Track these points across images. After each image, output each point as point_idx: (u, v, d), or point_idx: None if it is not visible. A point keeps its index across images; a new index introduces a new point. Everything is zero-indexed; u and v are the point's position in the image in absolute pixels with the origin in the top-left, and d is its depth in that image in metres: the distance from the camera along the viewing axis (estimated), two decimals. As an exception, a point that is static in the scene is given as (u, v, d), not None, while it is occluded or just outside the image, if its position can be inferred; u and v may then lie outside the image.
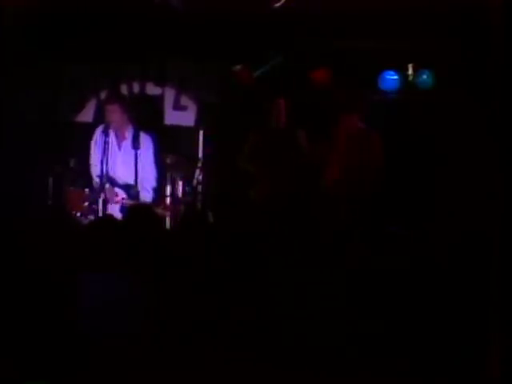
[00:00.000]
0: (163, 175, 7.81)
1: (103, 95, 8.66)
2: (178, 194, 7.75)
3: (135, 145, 7.70)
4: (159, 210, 7.60)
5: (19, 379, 4.06)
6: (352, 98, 7.82)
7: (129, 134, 7.77)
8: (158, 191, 7.83)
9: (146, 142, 7.77)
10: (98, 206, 7.46)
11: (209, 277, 5.07)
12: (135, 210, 5.73)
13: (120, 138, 7.77)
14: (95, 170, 7.70)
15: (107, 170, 7.54)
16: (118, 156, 7.74)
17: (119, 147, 7.77)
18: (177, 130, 8.68)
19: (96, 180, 7.65)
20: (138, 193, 7.65)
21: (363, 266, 5.41)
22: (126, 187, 7.63)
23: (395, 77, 8.25)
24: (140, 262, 4.83)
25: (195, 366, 4.49)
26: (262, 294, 5.05)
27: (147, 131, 7.84)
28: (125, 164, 7.73)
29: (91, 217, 7.49)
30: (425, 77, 8.18)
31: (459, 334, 4.63)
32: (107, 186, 7.53)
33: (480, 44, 6.93)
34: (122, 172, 7.72)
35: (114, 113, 7.69)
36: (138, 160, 7.70)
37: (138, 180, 7.67)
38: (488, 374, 4.19)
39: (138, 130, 7.77)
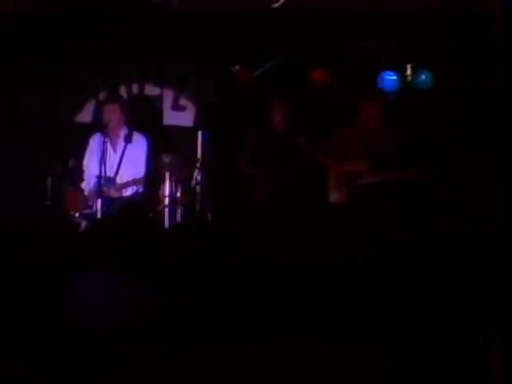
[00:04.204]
0: (154, 176, 7.80)
1: (102, 96, 8.67)
2: (176, 195, 7.75)
3: (127, 142, 7.70)
4: (156, 211, 7.63)
5: (21, 379, 4.06)
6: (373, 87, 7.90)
7: (123, 134, 7.77)
8: (146, 190, 7.82)
9: (139, 141, 7.78)
10: (96, 206, 7.44)
11: (207, 278, 5.07)
12: (128, 209, 5.72)
13: (115, 141, 7.76)
14: (91, 175, 7.69)
15: (104, 173, 7.53)
16: (115, 159, 7.72)
17: (114, 150, 7.76)
18: (175, 130, 8.68)
19: (93, 183, 7.64)
20: (115, 185, 7.62)
21: (365, 267, 5.41)
22: (108, 180, 7.60)
23: (394, 77, 8.25)
24: (138, 262, 4.82)
25: (194, 366, 4.48)
26: (261, 294, 5.04)
27: (142, 131, 7.84)
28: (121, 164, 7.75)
29: (89, 217, 7.49)
30: (423, 77, 8.18)
31: (459, 333, 4.63)
32: (105, 188, 7.53)
33: (478, 44, 6.94)
34: (120, 174, 7.72)
35: (112, 112, 7.70)
36: (129, 157, 7.70)
37: (122, 175, 7.66)
38: (488, 374, 4.18)
39: (131, 129, 7.78)
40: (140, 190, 7.78)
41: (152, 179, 7.82)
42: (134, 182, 7.71)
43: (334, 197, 7.59)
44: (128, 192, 7.72)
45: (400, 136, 7.61)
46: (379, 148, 7.52)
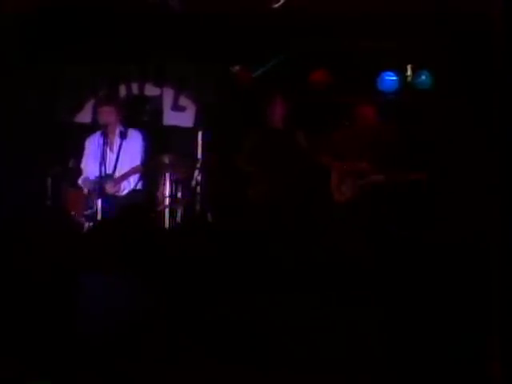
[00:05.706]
0: (153, 173, 7.81)
1: (99, 96, 8.66)
2: (176, 195, 7.76)
3: (122, 139, 7.69)
4: (157, 211, 7.64)
5: (21, 379, 4.07)
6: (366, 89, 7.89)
7: (118, 132, 7.77)
8: (146, 190, 7.82)
9: (134, 136, 7.77)
10: (96, 206, 7.44)
11: (207, 276, 5.07)
12: (129, 209, 5.74)
13: (111, 139, 7.75)
14: (90, 175, 7.70)
15: (102, 172, 7.54)
16: (112, 156, 7.72)
17: (111, 149, 7.75)
18: (175, 130, 8.68)
19: (92, 183, 7.64)
20: (114, 183, 7.62)
21: (363, 266, 5.41)
22: (106, 177, 7.60)
23: (394, 78, 8.25)
24: (138, 263, 4.83)
25: (193, 367, 4.49)
26: (261, 293, 5.04)
27: (137, 128, 7.84)
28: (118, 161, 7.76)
29: (90, 217, 7.49)
30: (423, 77, 8.18)
31: (459, 334, 4.63)
32: (104, 185, 7.54)
33: (478, 44, 6.95)
34: (118, 169, 7.72)
35: (109, 114, 7.70)
36: (124, 151, 7.70)
37: (120, 170, 7.67)
38: (488, 374, 4.19)
39: (126, 127, 7.76)
40: (139, 186, 7.78)
41: (149, 172, 7.82)
42: (133, 171, 7.71)
43: (336, 196, 7.62)
44: (127, 187, 7.70)
45: (400, 136, 7.64)
46: (381, 148, 7.53)
